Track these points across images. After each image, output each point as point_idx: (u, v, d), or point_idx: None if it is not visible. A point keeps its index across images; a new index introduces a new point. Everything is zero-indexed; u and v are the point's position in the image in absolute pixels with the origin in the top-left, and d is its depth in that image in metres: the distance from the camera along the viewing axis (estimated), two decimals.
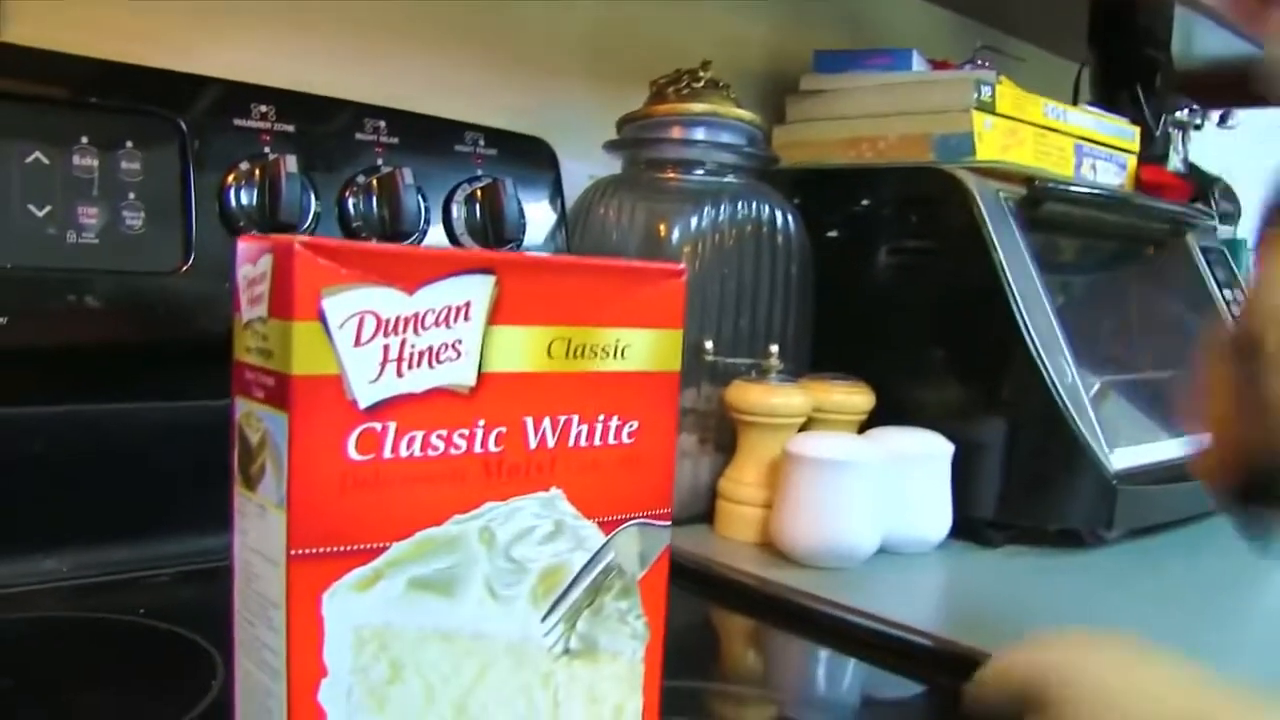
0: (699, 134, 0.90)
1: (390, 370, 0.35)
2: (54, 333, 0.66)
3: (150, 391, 0.72)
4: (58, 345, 0.66)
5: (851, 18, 1.33)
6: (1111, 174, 1.17)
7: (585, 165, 0.97)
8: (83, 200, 0.66)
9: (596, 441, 0.40)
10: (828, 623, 0.69)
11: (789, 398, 0.83)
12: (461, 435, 0.37)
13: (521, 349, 0.38)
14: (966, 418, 0.88)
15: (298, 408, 0.34)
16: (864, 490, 0.77)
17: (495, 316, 0.37)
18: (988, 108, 1.00)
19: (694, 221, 0.87)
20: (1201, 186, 1.45)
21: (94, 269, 0.66)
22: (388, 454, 0.35)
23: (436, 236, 0.80)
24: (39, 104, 0.66)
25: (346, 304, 0.34)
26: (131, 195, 0.68)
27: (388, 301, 0.35)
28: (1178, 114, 1.42)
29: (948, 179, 0.93)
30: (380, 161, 0.78)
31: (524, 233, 0.83)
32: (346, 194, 0.75)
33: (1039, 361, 0.86)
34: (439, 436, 0.36)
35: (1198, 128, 1.47)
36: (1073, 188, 1.02)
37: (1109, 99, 1.39)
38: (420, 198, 0.78)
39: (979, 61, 1.13)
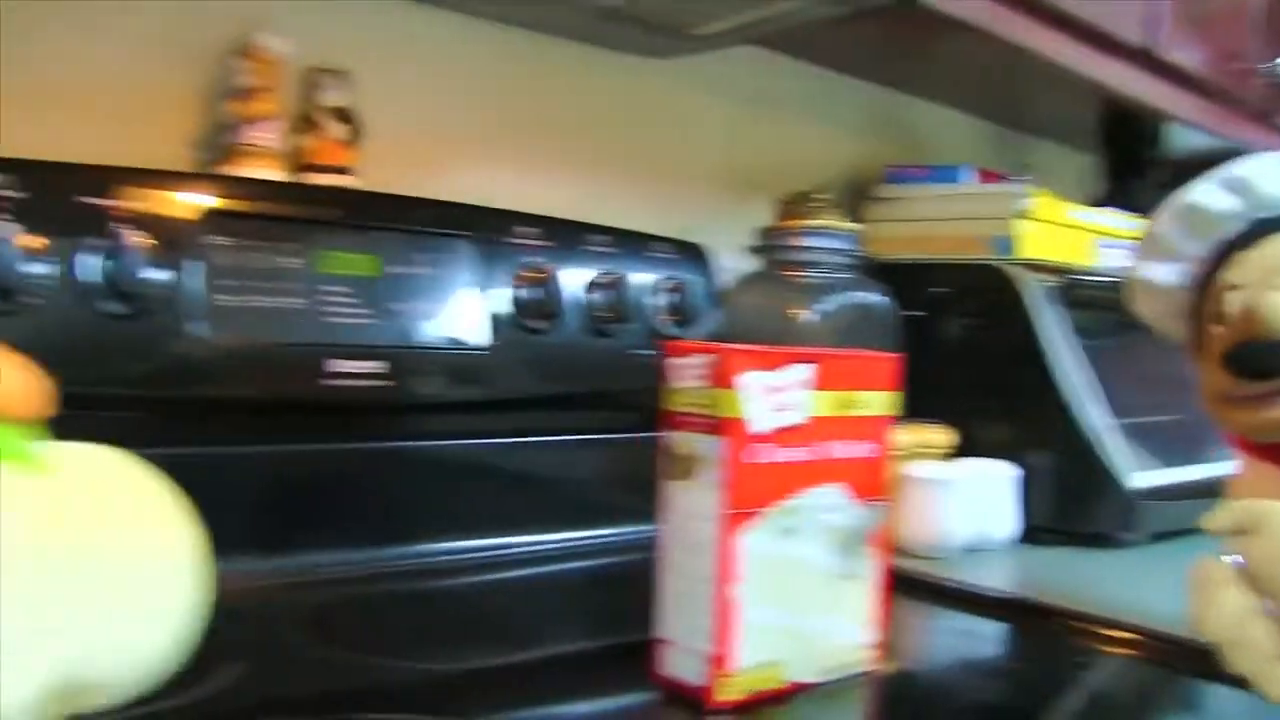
0: (819, 242, 1.21)
1: (770, 414, 0.65)
2: (415, 392, 0.95)
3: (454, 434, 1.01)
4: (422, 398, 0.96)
5: (913, 136, 1.65)
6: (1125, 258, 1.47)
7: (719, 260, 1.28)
8: (419, 298, 0.96)
9: (857, 455, 0.70)
10: (939, 589, 0.99)
11: (898, 437, 1.13)
12: (800, 450, 0.66)
13: (826, 403, 0.68)
14: (1025, 451, 1.18)
15: (728, 435, 0.63)
16: (956, 502, 1.07)
17: (814, 385, 0.67)
18: (1027, 215, 1.31)
19: (816, 308, 1.18)
20: None
21: (425, 347, 0.96)
22: (768, 459, 0.65)
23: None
24: (393, 233, 0.96)
25: (750, 381, 0.64)
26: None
27: (768, 378, 0.65)
28: None
29: (998, 273, 1.24)
30: (607, 266, 1.07)
31: (700, 317, 1.13)
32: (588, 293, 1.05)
33: (1073, 409, 1.17)
34: (790, 450, 0.66)
35: None
36: (1089, 276, 1.33)
37: (1118, 189, 1.72)
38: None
39: (1021, 178, 1.44)
